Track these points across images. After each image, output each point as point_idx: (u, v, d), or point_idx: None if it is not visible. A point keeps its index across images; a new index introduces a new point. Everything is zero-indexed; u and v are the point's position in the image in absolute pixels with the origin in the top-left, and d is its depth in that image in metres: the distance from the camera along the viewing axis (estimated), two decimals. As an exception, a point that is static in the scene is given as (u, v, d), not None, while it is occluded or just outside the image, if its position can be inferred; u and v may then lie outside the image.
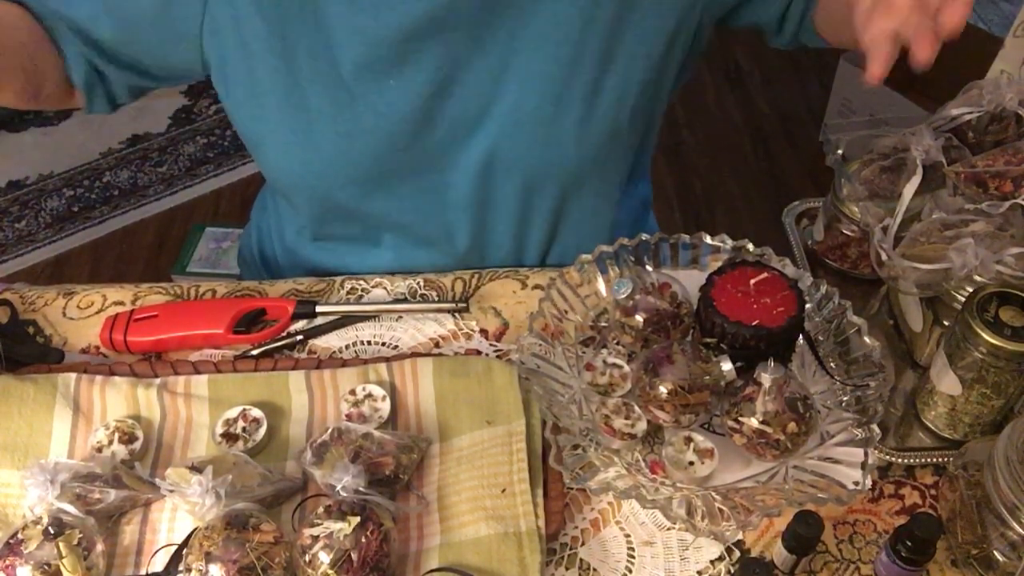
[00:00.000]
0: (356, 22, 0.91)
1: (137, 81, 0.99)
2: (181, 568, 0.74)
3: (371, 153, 0.97)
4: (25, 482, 0.76)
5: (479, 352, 0.96)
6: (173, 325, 0.96)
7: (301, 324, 0.99)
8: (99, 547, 0.76)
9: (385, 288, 1.03)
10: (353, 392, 0.88)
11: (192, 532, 0.75)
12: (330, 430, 0.82)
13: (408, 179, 1.00)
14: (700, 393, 0.80)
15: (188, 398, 0.88)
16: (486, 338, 0.98)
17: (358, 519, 0.74)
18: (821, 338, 0.89)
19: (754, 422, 0.79)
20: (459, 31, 0.91)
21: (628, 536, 0.82)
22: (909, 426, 0.89)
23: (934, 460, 0.86)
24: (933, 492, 0.86)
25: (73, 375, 0.89)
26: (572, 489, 0.84)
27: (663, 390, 0.80)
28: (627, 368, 0.87)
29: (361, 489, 0.76)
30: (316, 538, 0.73)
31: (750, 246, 0.93)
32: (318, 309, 0.98)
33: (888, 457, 0.86)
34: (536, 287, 1.02)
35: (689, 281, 0.90)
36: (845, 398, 0.84)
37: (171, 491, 0.75)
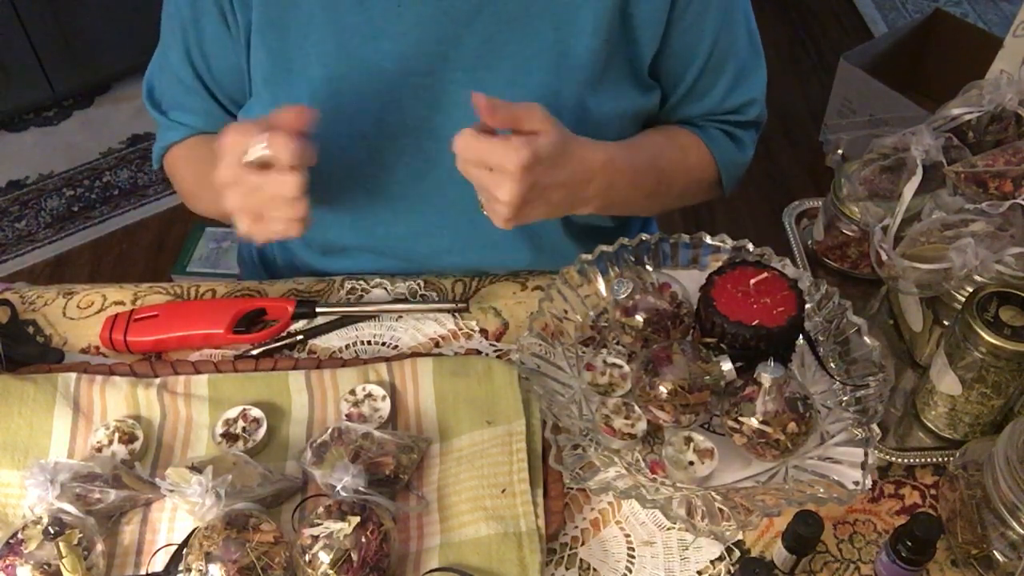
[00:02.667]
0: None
1: None
2: (181, 568, 0.74)
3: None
4: (25, 482, 0.77)
5: (479, 352, 0.96)
6: (173, 325, 0.96)
7: (301, 324, 0.99)
8: (99, 547, 0.77)
9: (385, 288, 1.03)
10: (353, 392, 0.88)
11: (192, 532, 0.75)
12: (330, 430, 0.82)
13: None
14: (700, 393, 0.80)
15: (188, 398, 0.88)
16: (486, 338, 0.97)
17: (358, 519, 0.74)
18: (821, 338, 0.89)
19: (754, 422, 0.79)
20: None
21: (628, 536, 0.82)
22: (909, 426, 0.89)
23: (934, 460, 0.86)
24: (933, 492, 0.86)
25: (73, 375, 0.89)
26: (572, 489, 0.84)
27: (663, 390, 0.80)
28: (627, 368, 0.87)
29: (361, 489, 0.76)
30: (316, 538, 0.73)
31: (750, 246, 0.93)
32: (318, 309, 0.98)
33: (888, 457, 0.86)
34: (536, 288, 1.02)
35: (689, 281, 0.90)
36: (845, 398, 0.84)
37: (171, 491, 0.75)
